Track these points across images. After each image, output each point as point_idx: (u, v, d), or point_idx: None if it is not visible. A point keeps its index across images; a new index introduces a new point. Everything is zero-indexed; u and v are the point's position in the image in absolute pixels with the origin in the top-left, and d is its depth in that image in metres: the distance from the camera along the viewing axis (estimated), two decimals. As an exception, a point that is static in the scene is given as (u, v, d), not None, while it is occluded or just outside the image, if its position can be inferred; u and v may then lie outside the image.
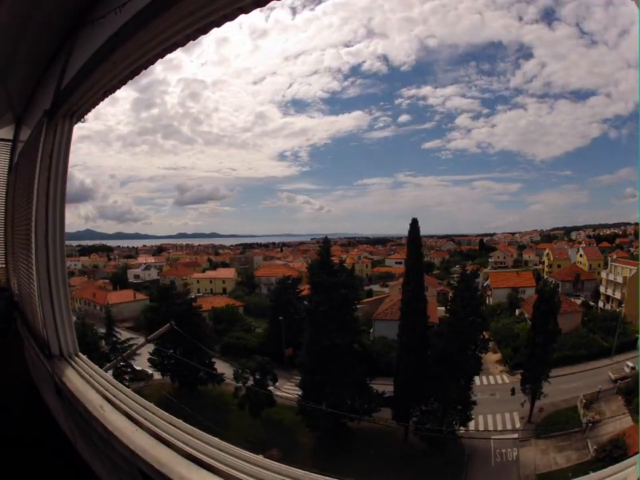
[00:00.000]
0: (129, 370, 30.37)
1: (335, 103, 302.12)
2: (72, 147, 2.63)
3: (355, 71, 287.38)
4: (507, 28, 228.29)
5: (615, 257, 55.31)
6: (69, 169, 2.69)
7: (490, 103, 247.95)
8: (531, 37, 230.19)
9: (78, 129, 2.66)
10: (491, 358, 36.26)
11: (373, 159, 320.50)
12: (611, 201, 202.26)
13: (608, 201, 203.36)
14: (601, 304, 47.56)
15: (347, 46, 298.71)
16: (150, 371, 32.25)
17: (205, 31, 1.59)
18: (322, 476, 1.51)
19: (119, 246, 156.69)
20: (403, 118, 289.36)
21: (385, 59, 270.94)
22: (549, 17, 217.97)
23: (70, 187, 2.70)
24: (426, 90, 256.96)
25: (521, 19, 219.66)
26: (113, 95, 2.28)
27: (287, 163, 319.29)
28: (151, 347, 28.47)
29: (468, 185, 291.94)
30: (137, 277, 77.75)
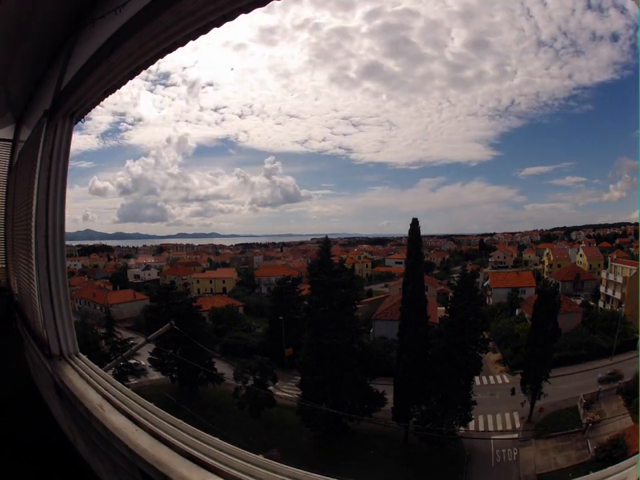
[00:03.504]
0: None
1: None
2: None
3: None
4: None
5: (615, 256, 55.34)
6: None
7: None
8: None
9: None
10: (491, 358, 36.25)
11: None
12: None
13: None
14: (601, 304, 47.51)
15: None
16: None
17: (205, 30, 1.58)
18: (322, 476, 1.51)
19: (118, 246, 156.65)
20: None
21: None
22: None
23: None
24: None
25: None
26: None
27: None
28: (151, 347, 28.49)
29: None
30: (137, 277, 77.75)
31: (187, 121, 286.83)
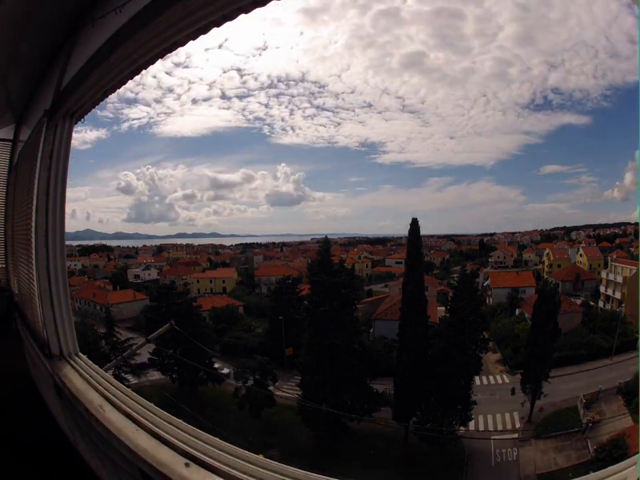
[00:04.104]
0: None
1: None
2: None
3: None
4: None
5: (615, 256, 55.30)
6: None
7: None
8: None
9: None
10: (491, 358, 36.25)
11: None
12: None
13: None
14: (601, 304, 47.51)
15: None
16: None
17: (205, 30, 1.58)
18: (322, 476, 1.51)
19: (119, 246, 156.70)
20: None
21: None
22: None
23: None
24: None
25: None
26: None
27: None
28: (150, 347, 28.46)
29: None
30: (137, 277, 77.77)
31: (209, 106, 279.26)
